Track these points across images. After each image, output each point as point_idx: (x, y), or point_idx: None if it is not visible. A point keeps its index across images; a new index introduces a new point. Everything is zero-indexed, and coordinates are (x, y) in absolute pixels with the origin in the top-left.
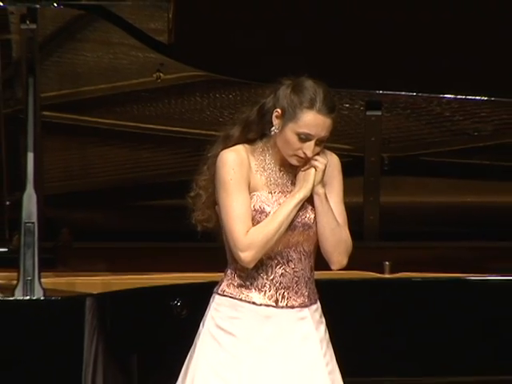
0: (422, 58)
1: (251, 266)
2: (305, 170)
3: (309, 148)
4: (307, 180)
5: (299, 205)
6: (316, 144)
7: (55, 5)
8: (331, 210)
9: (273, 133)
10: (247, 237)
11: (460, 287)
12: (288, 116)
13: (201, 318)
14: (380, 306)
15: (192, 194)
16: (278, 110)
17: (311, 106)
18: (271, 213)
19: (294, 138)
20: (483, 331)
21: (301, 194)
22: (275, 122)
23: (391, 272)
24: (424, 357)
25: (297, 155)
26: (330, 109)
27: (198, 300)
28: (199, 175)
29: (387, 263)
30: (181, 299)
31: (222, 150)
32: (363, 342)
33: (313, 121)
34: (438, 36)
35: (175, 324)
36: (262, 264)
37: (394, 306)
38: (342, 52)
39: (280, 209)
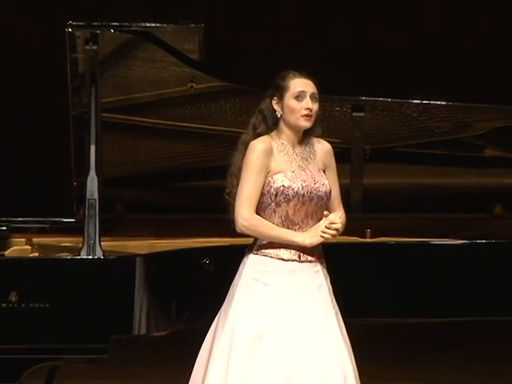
0: (395, 73)
1: (238, 231)
2: (323, 232)
3: (307, 103)
4: (320, 237)
5: (300, 245)
6: (312, 101)
7: (112, 31)
8: (342, 222)
9: (279, 115)
10: (254, 215)
11: (425, 249)
12: (282, 93)
13: (225, 272)
14: (364, 263)
15: (229, 172)
16: (275, 98)
17: (293, 76)
18: (296, 187)
19: (294, 103)
20: (445, 282)
21: (312, 241)
22: (276, 107)
23: (372, 237)
24: (399, 302)
25: (303, 114)
26: (307, 73)
27: (223, 259)
28: (233, 158)
29: (368, 230)
30: (209, 258)
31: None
32: (353, 290)
33: (299, 81)
34: (409, 56)
35: (205, 277)
36: (288, 229)
37: (375, 263)
38: (336, 68)
39: (286, 233)
